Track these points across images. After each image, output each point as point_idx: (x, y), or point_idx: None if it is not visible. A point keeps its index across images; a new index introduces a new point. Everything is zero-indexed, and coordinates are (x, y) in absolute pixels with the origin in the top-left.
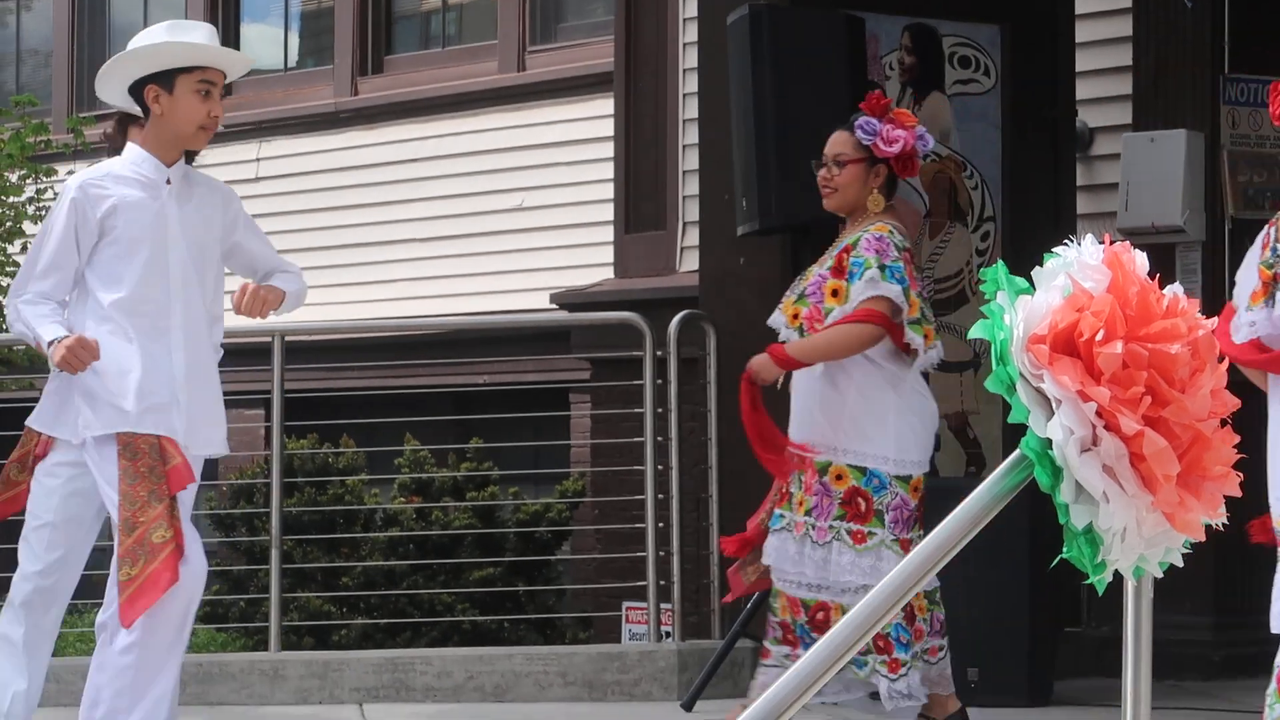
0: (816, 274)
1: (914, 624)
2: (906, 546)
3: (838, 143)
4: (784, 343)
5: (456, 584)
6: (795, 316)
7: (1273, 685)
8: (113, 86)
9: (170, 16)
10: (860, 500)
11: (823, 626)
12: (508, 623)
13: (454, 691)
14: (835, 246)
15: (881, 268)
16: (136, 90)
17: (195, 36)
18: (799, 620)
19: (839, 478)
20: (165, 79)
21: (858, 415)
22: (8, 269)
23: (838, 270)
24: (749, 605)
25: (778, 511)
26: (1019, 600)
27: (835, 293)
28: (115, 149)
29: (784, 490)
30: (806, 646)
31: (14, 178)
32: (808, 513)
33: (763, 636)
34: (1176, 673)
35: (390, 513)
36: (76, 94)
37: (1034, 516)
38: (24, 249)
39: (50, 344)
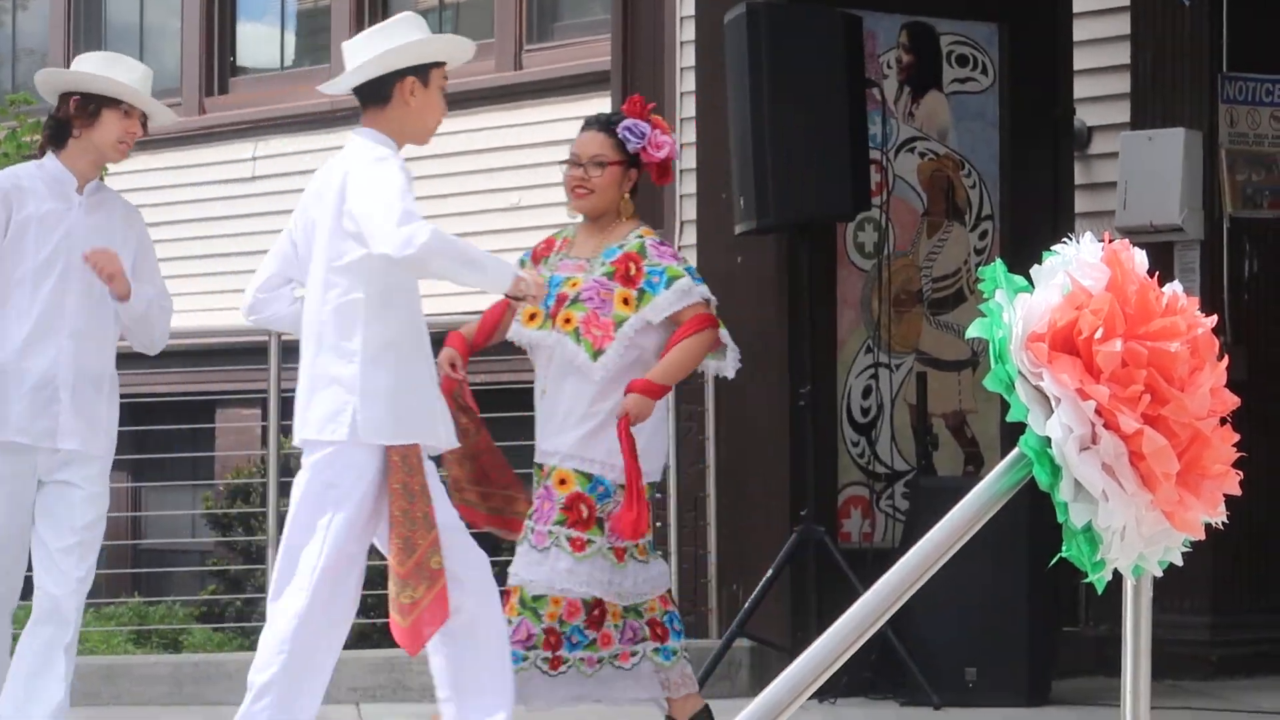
0: (591, 280)
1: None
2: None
3: (595, 143)
4: (643, 378)
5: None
6: (568, 321)
7: None
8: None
9: (168, 15)
10: (582, 506)
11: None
12: None
13: None
14: (597, 254)
15: (688, 272)
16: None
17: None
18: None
19: (562, 482)
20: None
21: (609, 424)
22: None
23: (625, 278)
24: (747, 604)
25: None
26: (1017, 599)
27: (626, 301)
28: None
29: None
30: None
31: None
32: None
33: (758, 635)
34: (1174, 672)
35: None
36: None
37: (1032, 515)
38: None
39: None
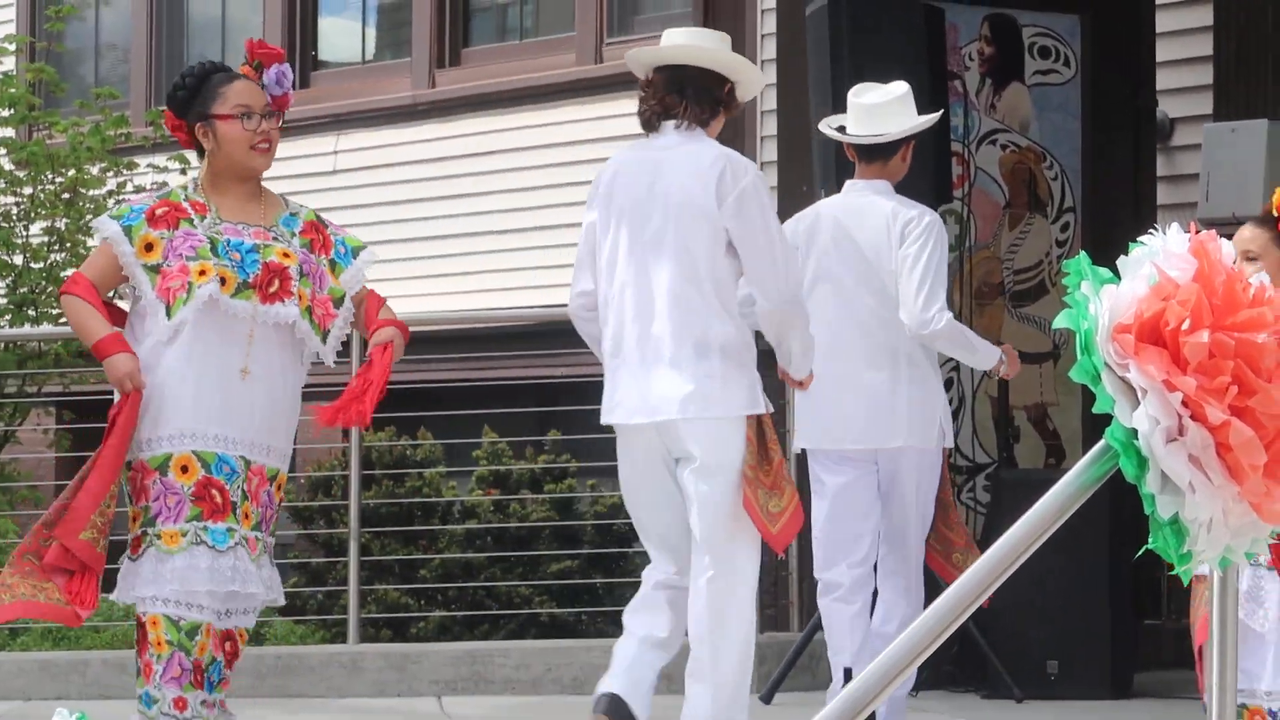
0: (300, 253)
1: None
2: None
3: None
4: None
5: (534, 576)
6: (301, 297)
7: None
8: None
9: (249, 10)
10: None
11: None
12: (586, 615)
13: (533, 684)
14: (272, 219)
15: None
16: None
17: None
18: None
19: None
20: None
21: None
22: None
23: (323, 247)
24: None
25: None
26: (1098, 592)
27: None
28: None
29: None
30: None
31: (95, 170)
32: (256, 526)
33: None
34: None
35: (468, 505)
36: (155, 87)
37: (1113, 507)
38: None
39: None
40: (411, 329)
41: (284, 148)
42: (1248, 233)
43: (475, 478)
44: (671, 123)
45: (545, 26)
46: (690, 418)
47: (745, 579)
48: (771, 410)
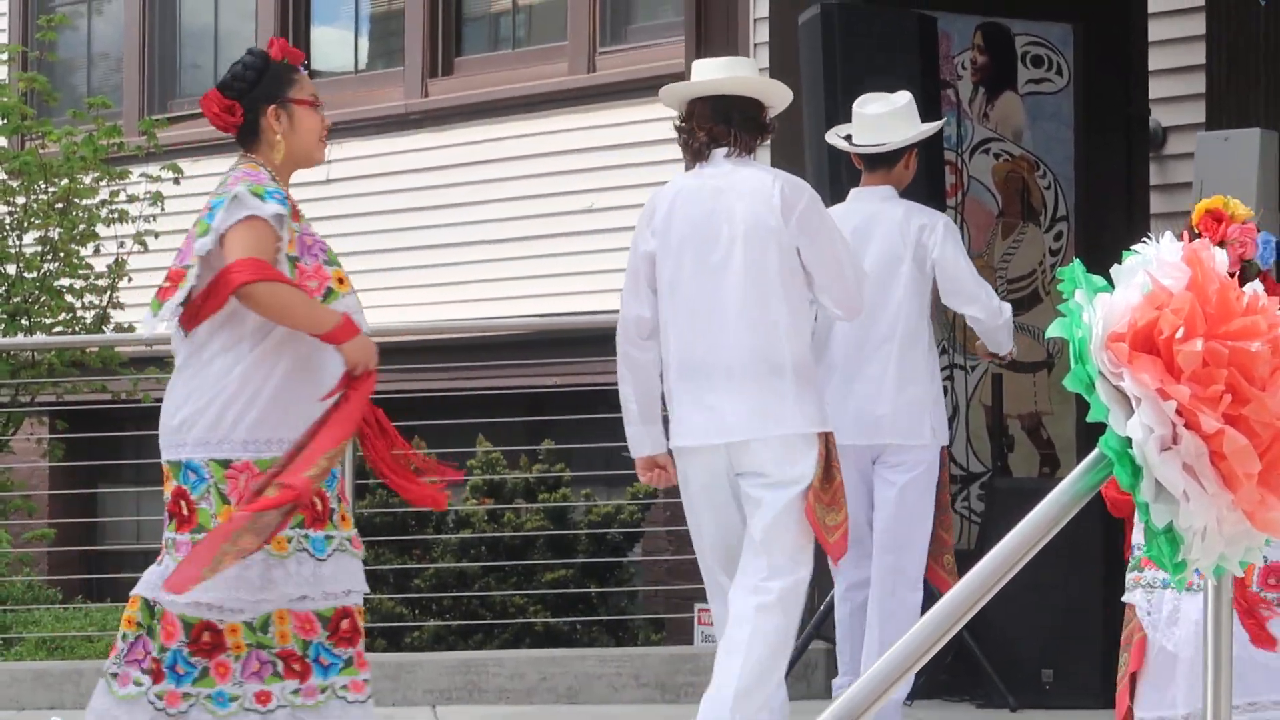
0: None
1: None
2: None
3: None
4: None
5: (528, 585)
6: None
7: None
8: None
9: (241, 20)
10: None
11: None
12: (580, 624)
13: (527, 693)
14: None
15: None
16: None
17: None
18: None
19: None
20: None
21: None
22: (80, 271)
23: None
24: (822, 607)
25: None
26: (1092, 601)
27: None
28: None
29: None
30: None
31: (87, 180)
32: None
33: (834, 637)
34: None
35: (462, 514)
36: (148, 97)
37: (1107, 515)
38: (96, 251)
39: None
40: (405, 339)
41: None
42: None
43: (469, 487)
44: (722, 151)
45: (538, 36)
46: (767, 437)
47: (802, 582)
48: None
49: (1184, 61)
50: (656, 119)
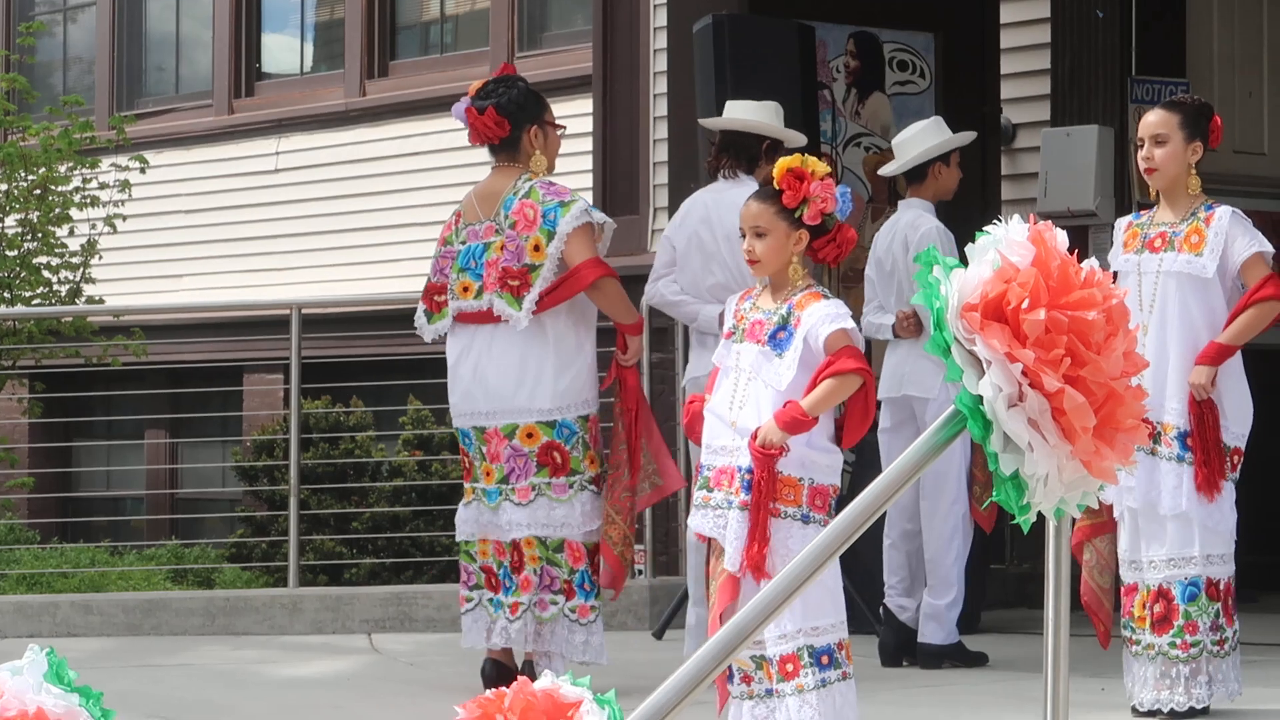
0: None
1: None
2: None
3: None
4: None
5: (453, 527)
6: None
7: None
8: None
9: (200, 27)
10: (556, 453)
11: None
12: None
13: (452, 622)
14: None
15: None
16: None
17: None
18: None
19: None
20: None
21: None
22: (56, 250)
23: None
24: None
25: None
26: None
27: None
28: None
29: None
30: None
31: (63, 169)
32: (503, 479)
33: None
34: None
35: (395, 465)
36: (117, 95)
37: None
38: (71, 233)
39: None
40: (347, 310)
41: (230, 149)
42: (1154, 117)
43: (401, 440)
44: (722, 172)
45: (463, 42)
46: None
47: None
48: None
49: (1032, 66)
50: (568, 116)
